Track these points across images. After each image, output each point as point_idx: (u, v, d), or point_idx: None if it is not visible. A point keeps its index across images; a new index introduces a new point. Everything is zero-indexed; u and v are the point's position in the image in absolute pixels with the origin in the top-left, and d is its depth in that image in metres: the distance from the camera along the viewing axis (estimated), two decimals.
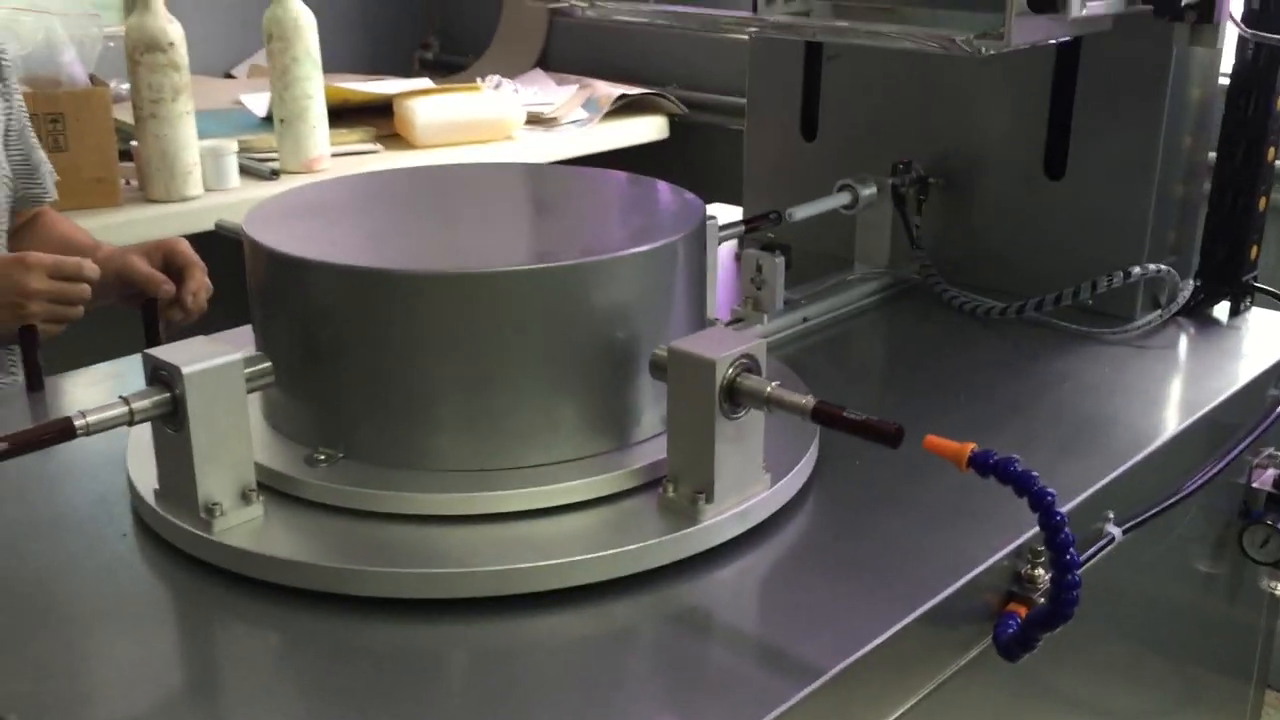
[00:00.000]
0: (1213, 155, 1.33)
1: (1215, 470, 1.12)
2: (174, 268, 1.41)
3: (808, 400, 0.81)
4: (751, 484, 0.87)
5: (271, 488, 0.87)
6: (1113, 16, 1.06)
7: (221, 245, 1.22)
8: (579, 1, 1.30)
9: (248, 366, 0.84)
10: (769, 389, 0.81)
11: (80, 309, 1.34)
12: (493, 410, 0.87)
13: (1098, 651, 1.13)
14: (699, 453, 0.84)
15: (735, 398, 0.82)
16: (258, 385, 0.86)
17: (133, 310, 1.33)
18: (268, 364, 0.86)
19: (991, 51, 1.00)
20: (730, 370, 0.82)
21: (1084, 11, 0.98)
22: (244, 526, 0.84)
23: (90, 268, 1.33)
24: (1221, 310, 1.36)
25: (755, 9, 1.16)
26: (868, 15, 1.21)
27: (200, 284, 1.41)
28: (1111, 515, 0.99)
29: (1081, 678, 1.11)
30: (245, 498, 0.84)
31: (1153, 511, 1.04)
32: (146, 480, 0.89)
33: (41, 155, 1.61)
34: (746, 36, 1.22)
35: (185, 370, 0.80)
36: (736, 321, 1.25)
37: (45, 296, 1.30)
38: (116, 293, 1.42)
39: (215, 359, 0.81)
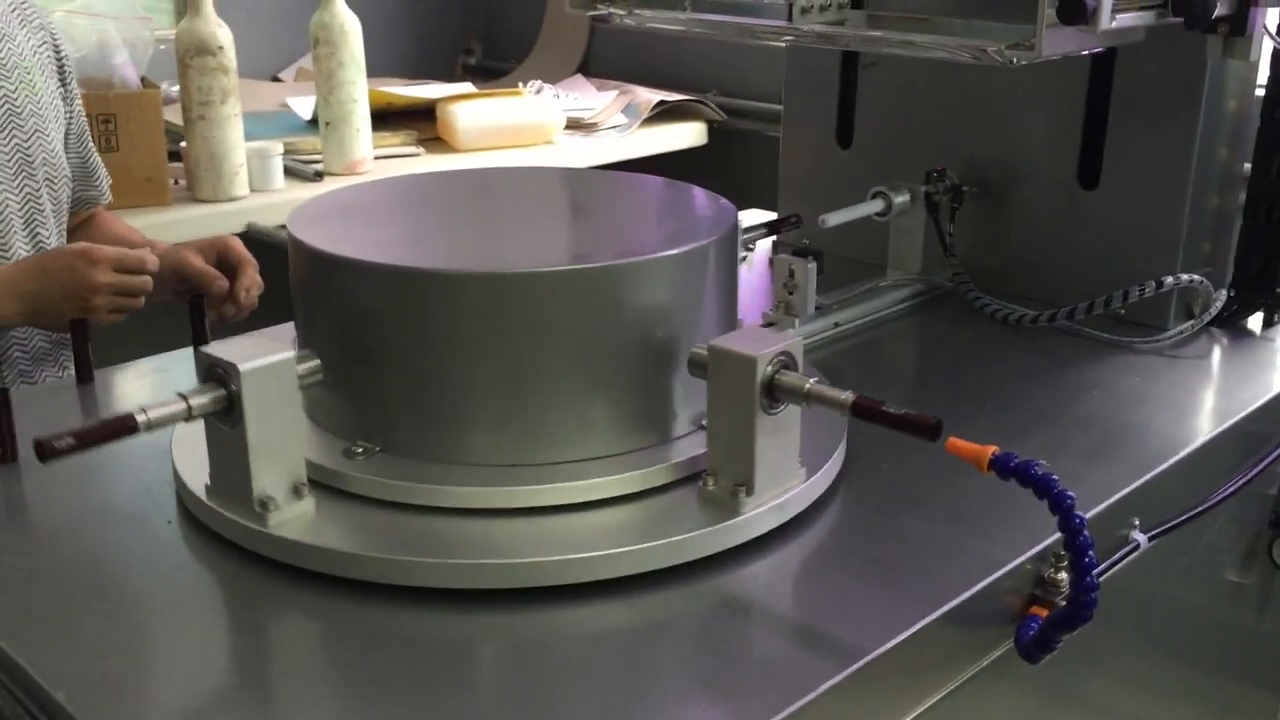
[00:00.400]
0: (1248, 166, 1.33)
1: (1244, 480, 1.12)
2: (227, 264, 1.45)
3: (846, 395, 0.83)
4: (789, 477, 0.90)
5: (310, 479, 0.90)
6: (1144, 28, 1.07)
7: (258, 245, 1.26)
8: (616, 9, 1.32)
9: (300, 364, 0.86)
10: (808, 385, 0.83)
11: (141, 300, 1.39)
12: (528, 407, 0.89)
13: (1123, 661, 1.13)
14: (740, 447, 0.86)
15: (774, 393, 0.84)
16: (309, 383, 0.88)
17: (179, 305, 1.37)
18: (317, 362, 0.89)
19: (1023, 62, 1.02)
20: (769, 367, 0.84)
21: (1113, 24, 0.99)
22: (296, 520, 0.86)
23: (152, 261, 1.37)
24: (1255, 321, 1.36)
25: (790, 18, 1.17)
26: (901, 25, 1.23)
27: (253, 280, 1.45)
28: (1138, 522, 1.00)
29: (1106, 687, 1.11)
30: (297, 492, 0.87)
31: (1180, 519, 1.04)
32: (193, 472, 0.92)
33: (98, 159, 1.67)
34: (782, 44, 1.24)
35: (242, 368, 0.82)
36: (768, 325, 1.27)
37: (109, 289, 1.35)
38: (171, 288, 1.47)
39: (270, 357, 0.83)
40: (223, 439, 0.85)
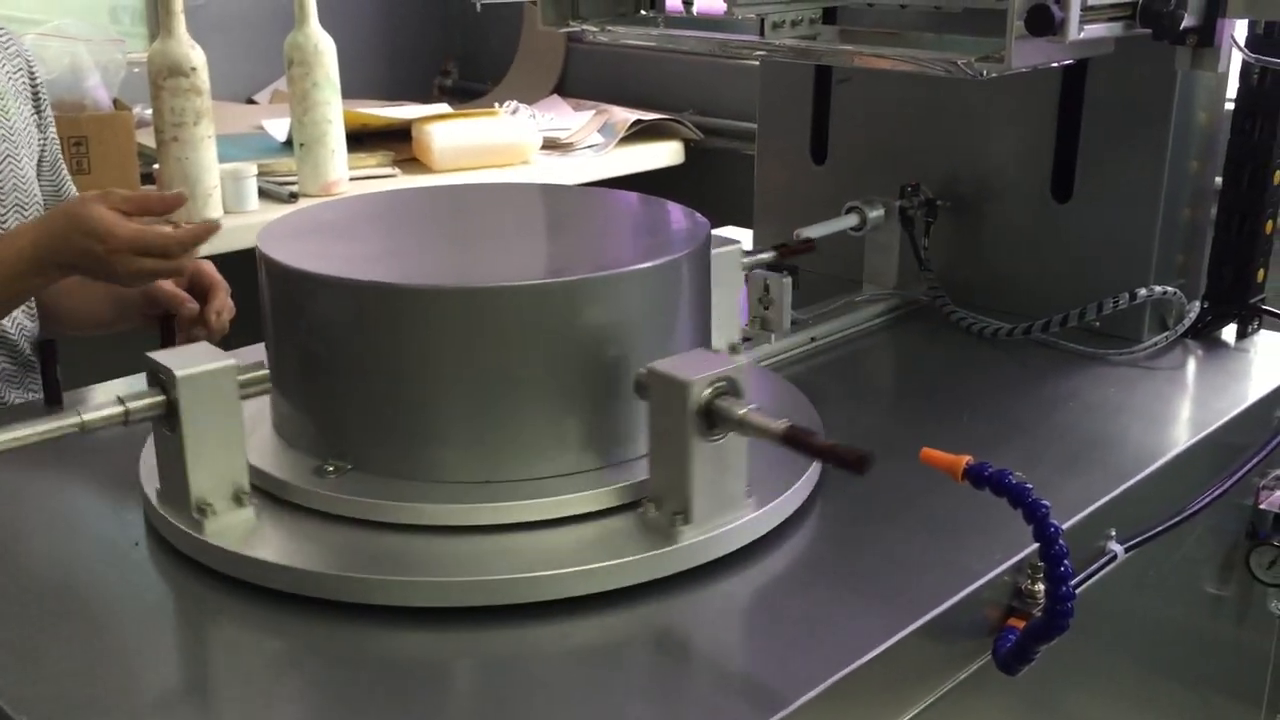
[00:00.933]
0: (1219, 179, 1.34)
1: (1220, 490, 1.13)
2: (199, 288, 1.44)
3: (779, 424, 0.81)
4: (733, 508, 0.87)
5: (280, 497, 0.89)
6: (1113, 40, 1.07)
7: (240, 265, 1.25)
8: (590, 26, 1.32)
9: (242, 373, 0.86)
10: (741, 412, 0.82)
11: (175, 262, 1.29)
12: (498, 424, 0.89)
13: (1102, 674, 1.13)
14: (677, 474, 0.85)
15: (711, 419, 0.83)
16: (253, 391, 0.87)
17: (150, 330, 1.36)
18: (263, 371, 0.88)
19: (993, 74, 1.02)
20: (708, 391, 0.82)
21: (1081, 34, 0.99)
22: (235, 528, 0.86)
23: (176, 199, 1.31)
24: (1229, 333, 1.36)
25: (762, 33, 1.17)
26: (873, 40, 1.23)
27: (224, 304, 1.44)
28: (1114, 533, 1.00)
29: (1085, 701, 1.11)
30: (238, 500, 0.86)
31: (1157, 530, 1.04)
32: (154, 484, 0.91)
33: (71, 186, 1.65)
34: (755, 61, 1.24)
35: (179, 373, 0.82)
36: (745, 341, 1.27)
37: (128, 245, 1.25)
38: (140, 311, 1.45)
39: (209, 364, 0.84)
40: (166, 445, 0.85)
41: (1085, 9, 0.99)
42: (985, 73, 1.02)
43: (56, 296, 1.62)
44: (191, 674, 0.79)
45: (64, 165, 1.65)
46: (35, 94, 1.58)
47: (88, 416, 0.80)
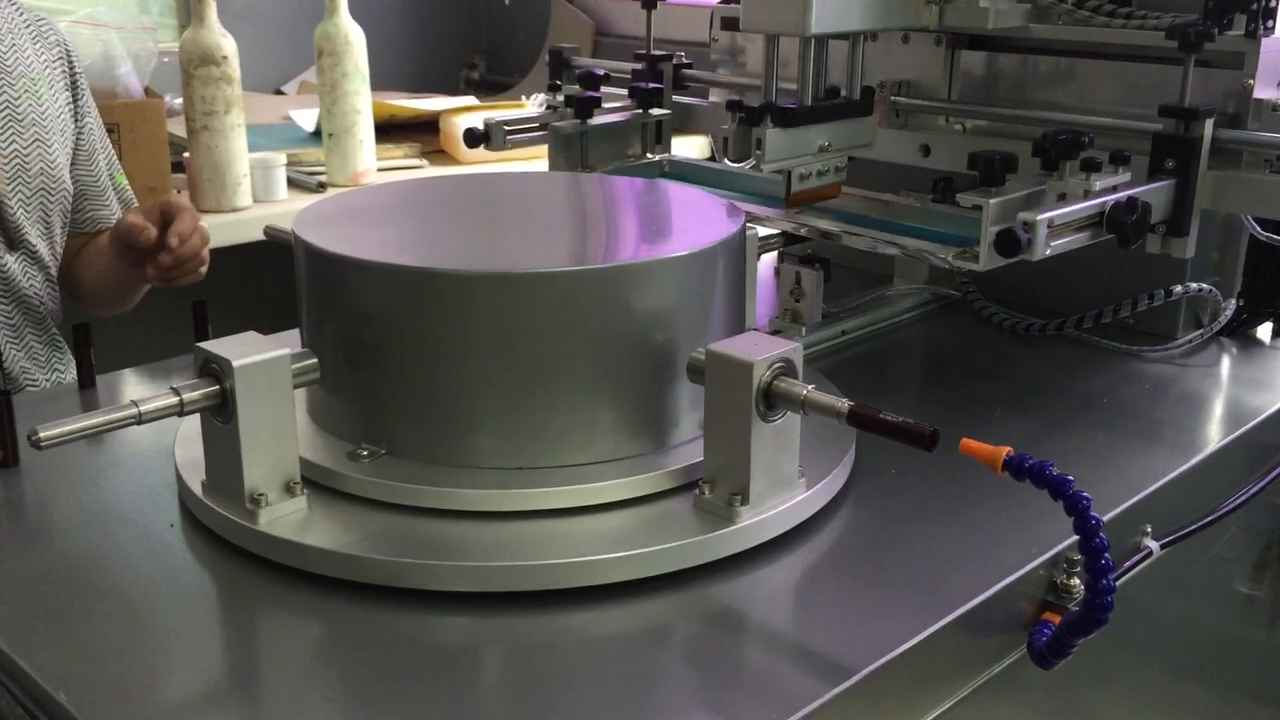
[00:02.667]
0: None
1: (1255, 489, 1.11)
2: (167, 218, 1.44)
3: (843, 403, 0.81)
4: (787, 488, 0.88)
5: (315, 482, 0.89)
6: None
7: (269, 253, 1.25)
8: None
9: (295, 362, 0.86)
10: (805, 392, 0.82)
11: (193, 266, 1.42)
12: (533, 409, 0.88)
13: (1133, 674, 1.12)
14: (735, 455, 0.85)
15: (771, 400, 0.83)
16: (304, 381, 0.88)
17: (182, 310, 1.36)
18: (314, 360, 0.88)
19: (969, 269, 1.08)
20: (767, 373, 0.83)
21: (1047, 253, 1.03)
22: (288, 518, 0.85)
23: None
24: (1264, 331, 1.35)
25: (788, 188, 1.23)
26: (863, 205, 1.27)
27: (189, 226, 1.43)
28: (1149, 529, 0.99)
29: (1116, 700, 1.10)
30: (289, 490, 0.86)
31: (1192, 528, 1.03)
32: (193, 473, 0.91)
33: (109, 182, 1.65)
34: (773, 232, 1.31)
35: (236, 364, 0.82)
36: (774, 334, 1.26)
37: None
38: (118, 253, 1.46)
39: (265, 354, 0.83)
40: (217, 435, 0.85)
41: (1050, 228, 1.02)
42: (963, 267, 1.08)
43: (80, 270, 1.63)
44: (227, 654, 0.79)
45: (107, 158, 1.66)
46: (73, 82, 1.60)
47: (144, 407, 0.80)
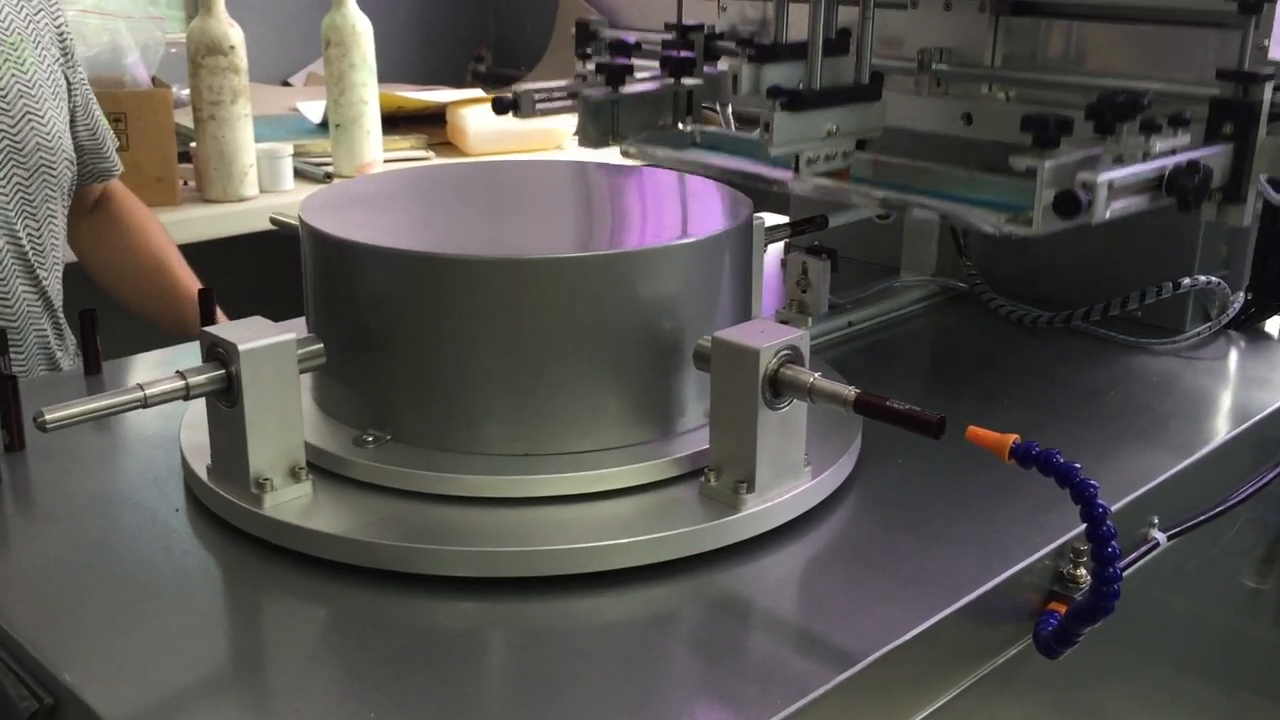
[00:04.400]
0: None
1: (1263, 482, 1.11)
2: None
3: (850, 391, 0.81)
4: (793, 476, 0.88)
5: (320, 467, 0.89)
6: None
7: (275, 243, 1.25)
8: (627, 146, 1.34)
9: (300, 347, 0.86)
10: (812, 379, 0.82)
11: None
12: (539, 396, 0.88)
13: (1139, 667, 1.12)
14: (741, 443, 0.85)
15: (778, 388, 0.83)
16: (309, 365, 0.88)
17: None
18: (319, 345, 0.88)
19: (1021, 234, 1.04)
20: (774, 360, 0.83)
21: (1108, 215, 1.00)
22: (293, 503, 0.85)
23: None
24: (1273, 324, 1.35)
25: (796, 169, 1.19)
26: (904, 174, 1.23)
27: None
28: (1156, 521, 0.99)
29: (1121, 692, 1.10)
30: (295, 475, 0.86)
31: (1199, 519, 1.03)
32: (199, 458, 0.91)
33: (105, 126, 1.57)
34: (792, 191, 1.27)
35: (241, 347, 0.82)
36: (782, 324, 1.26)
37: None
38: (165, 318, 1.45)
39: (270, 338, 0.83)
40: (222, 419, 0.85)
41: (1111, 190, 1.00)
42: (1013, 234, 1.05)
43: (92, 251, 1.61)
44: (232, 639, 0.79)
45: (96, 106, 1.56)
46: (61, 35, 1.48)
47: (150, 391, 0.80)
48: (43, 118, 1.41)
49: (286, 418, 0.85)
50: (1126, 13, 1.29)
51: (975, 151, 1.23)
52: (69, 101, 1.49)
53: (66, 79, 1.49)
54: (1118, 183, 1.01)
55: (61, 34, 1.49)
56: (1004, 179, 1.11)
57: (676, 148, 1.36)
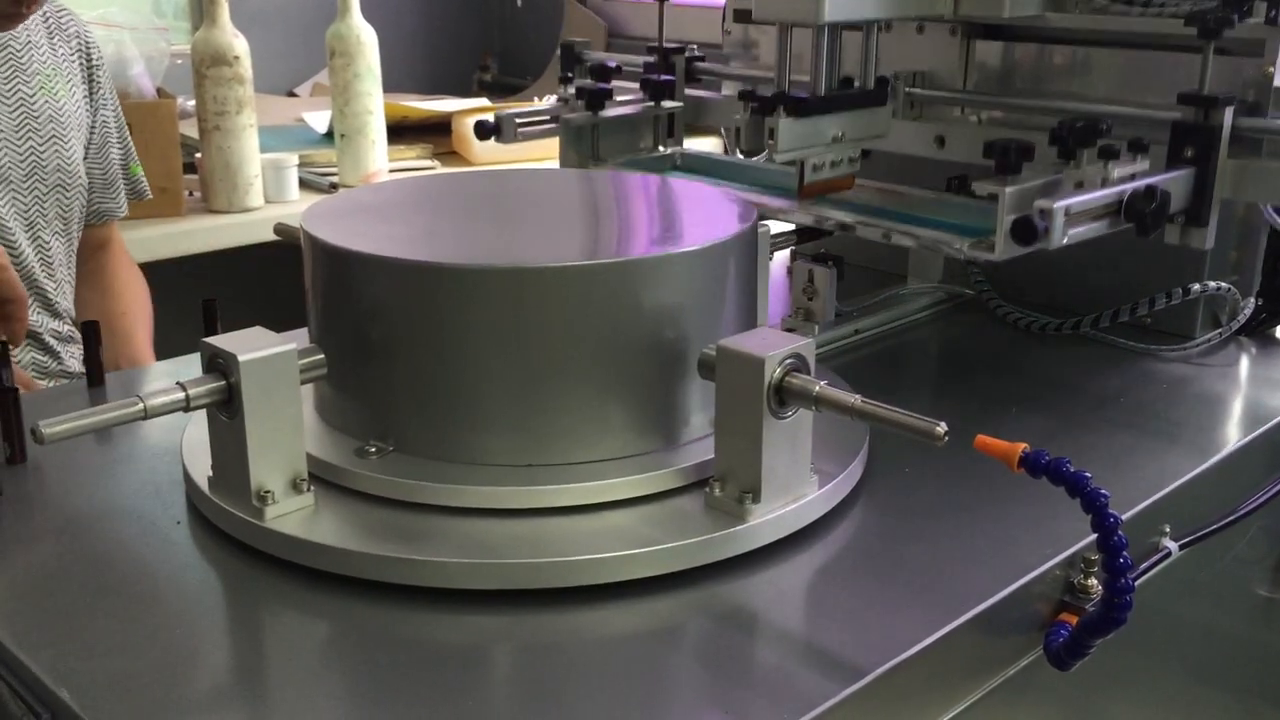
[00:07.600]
0: None
1: (1276, 489, 1.10)
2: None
3: (856, 399, 0.80)
4: (799, 486, 0.87)
5: (322, 479, 0.88)
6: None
7: (280, 254, 1.24)
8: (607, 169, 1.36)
9: (302, 357, 0.85)
10: (817, 388, 0.81)
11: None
12: (542, 406, 0.88)
13: (1151, 677, 1.10)
14: (746, 452, 0.84)
15: (783, 396, 0.82)
16: (311, 376, 0.87)
17: (193, 309, 1.35)
18: (321, 355, 0.88)
19: (984, 260, 1.06)
20: (779, 369, 0.82)
21: (1065, 241, 1.01)
22: (295, 514, 0.85)
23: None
24: None
25: (801, 177, 1.20)
26: (881, 197, 1.25)
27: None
28: (1168, 530, 0.98)
29: (1133, 703, 1.08)
30: (296, 486, 0.85)
31: (1212, 528, 1.02)
32: (200, 470, 0.90)
33: (118, 172, 1.67)
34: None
35: (241, 358, 0.81)
36: (787, 332, 1.25)
37: None
38: None
39: (271, 349, 0.83)
40: (223, 431, 0.84)
41: (1068, 216, 1.00)
42: (977, 259, 1.07)
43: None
44: (233, 652, 0.78)
45: (122, 150, 1.66)
46: (90, 75, 1.60)
47: (150, 403, 0.80)
48: (66, 144, 1.53)
49: (288, 429, 0.84)
50: (1095, 37, 1.29)
51: (947, 173, 1.24)
52: (87, 137, 1.59)
53: (89, 116, 1.60)
54: (1075, 208, 1.01)
55: (92, 76, 1.60)
56: (972, 201, 1.13)
57: (656, 171, 1.36)
